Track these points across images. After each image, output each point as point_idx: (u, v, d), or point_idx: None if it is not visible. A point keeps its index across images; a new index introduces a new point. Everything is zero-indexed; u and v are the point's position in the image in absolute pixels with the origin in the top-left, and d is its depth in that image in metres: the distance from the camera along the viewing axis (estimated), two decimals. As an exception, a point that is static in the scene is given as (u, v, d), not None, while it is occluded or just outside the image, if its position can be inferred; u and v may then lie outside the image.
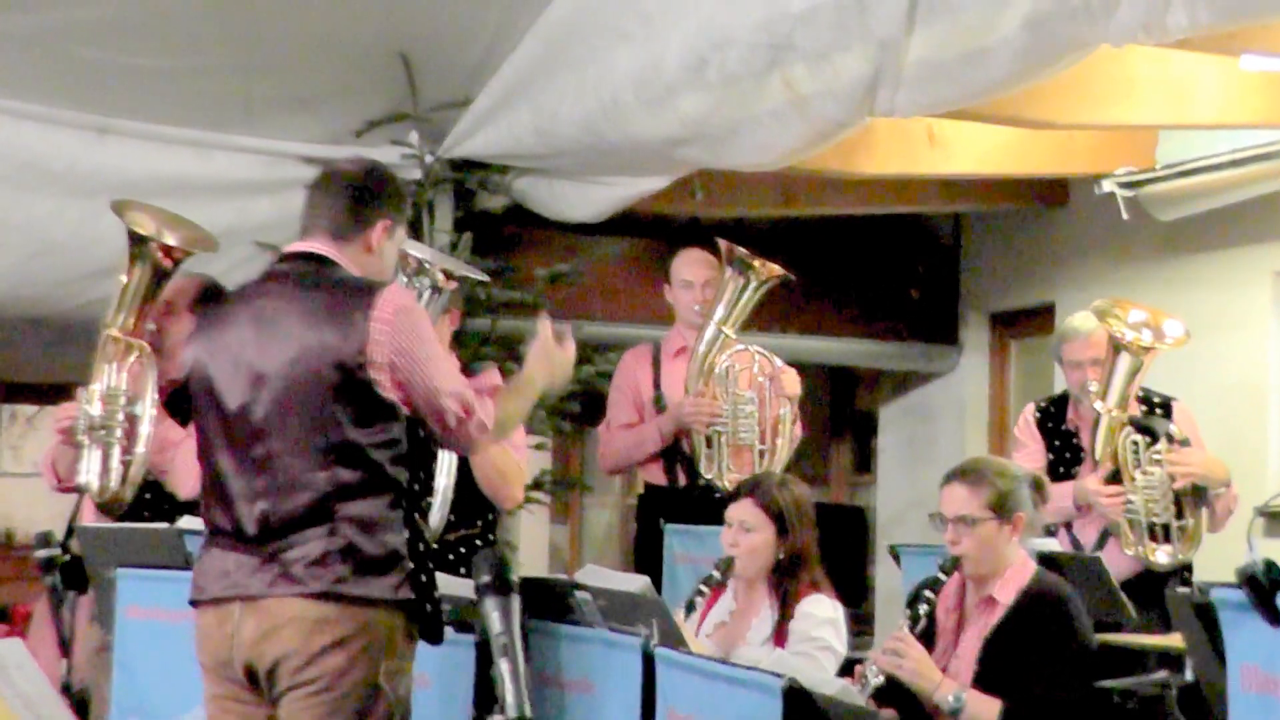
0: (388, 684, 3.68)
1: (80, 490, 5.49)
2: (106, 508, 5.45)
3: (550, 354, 4.10)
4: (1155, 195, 7.43)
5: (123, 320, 5.45)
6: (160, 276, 5.48)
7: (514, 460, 5.27)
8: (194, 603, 3.84)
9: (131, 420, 5.39)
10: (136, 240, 5.45)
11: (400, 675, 3.73)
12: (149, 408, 5.39)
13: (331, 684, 3.63)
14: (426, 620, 3.77)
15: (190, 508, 5.38)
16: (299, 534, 3.66)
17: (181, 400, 5.62)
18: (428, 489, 5.00)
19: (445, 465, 5.02)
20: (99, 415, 5.38)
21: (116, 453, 5.39)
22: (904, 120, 6.40)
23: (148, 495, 5.55)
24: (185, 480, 5.43)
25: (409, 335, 3.71)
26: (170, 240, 5.48)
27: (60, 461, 5.61)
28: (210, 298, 5.67)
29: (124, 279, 5.44)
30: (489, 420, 3.80)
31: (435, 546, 4.86)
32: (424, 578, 3.75)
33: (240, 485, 3.74)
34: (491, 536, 5.41)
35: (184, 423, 5.53)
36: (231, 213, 7.19)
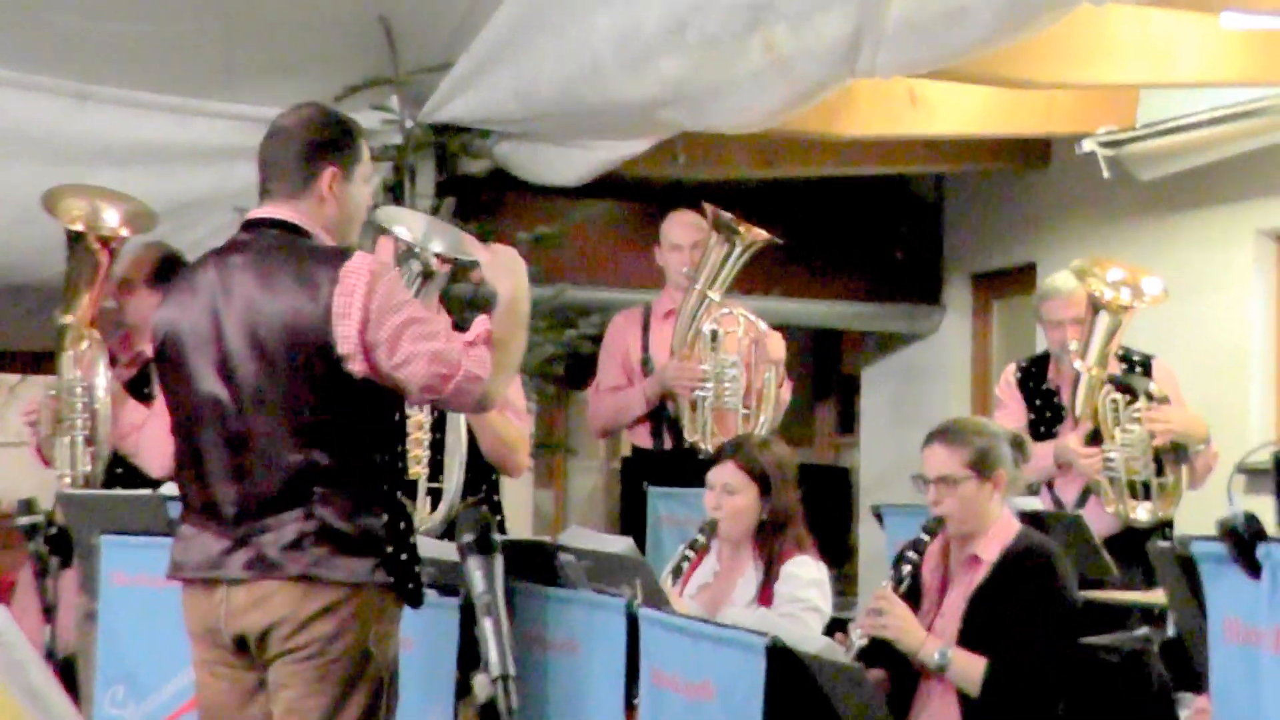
0: (376, 649, 3.68)
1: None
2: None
3: (499, 261, 3.92)
4: (1136, 154, 7.43)
5: (73, 308, 5.50)
6: (100, 266, 5.52)
7: (516, 429, 5.28)
8: (174, 574, 3.81)
9: (90, 409, 5.46)
10: (73, 236, 5.49)
11: (388, 639, 3.72)
12: (103, 393, 5.46)
13: (322, 649, 3.62)
14: (408, 594, 3.74)
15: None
16: (274, 516, 3.63)
17: (144, 379, 5.66)
18: (436, 474, 4.99)
19: (456, 457, 4.99)
20: (61, 409, 5.46)
21: (81, 440, 5.46)
22: (885, 81, 6.40)
23: (119, 469, 5.58)
24: (154, 459, 5.47)
25: (377, 305, 3.61)
26: (107, 224, 5.51)
27: (46, 449, 5.68)
28: (168, 268, 5.71)
29: (67, 268, 5.50)
30: (483, 368, 3.68)
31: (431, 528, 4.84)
32: (404, 557, 3.71)
33: (215, 464, 3.70)
34: (496, 497, 5.43)
35: (147, 401, 5.56)
36: (212, 178, 7.19)
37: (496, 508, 5.39)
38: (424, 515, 4.88)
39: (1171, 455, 5.92)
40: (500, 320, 3.82)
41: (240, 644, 3.70)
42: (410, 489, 3.83)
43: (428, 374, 3.63)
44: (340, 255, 3.69)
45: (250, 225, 3.84)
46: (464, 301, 6.67)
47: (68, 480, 5.49)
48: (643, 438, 6.49)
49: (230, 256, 3.78)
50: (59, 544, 5.02)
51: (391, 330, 3.61)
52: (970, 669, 4.43)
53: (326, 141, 3.84)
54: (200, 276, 3.79)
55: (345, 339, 3.60)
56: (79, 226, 5.49)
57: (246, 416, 3.66)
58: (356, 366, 3.62)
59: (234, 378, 3.67)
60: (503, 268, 3.90)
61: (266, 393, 3.64)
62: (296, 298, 3.63)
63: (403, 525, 3.73)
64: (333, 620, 3.62)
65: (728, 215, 6.28)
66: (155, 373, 3.87)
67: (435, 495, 4.95)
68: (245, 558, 3.64)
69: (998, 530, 4.60)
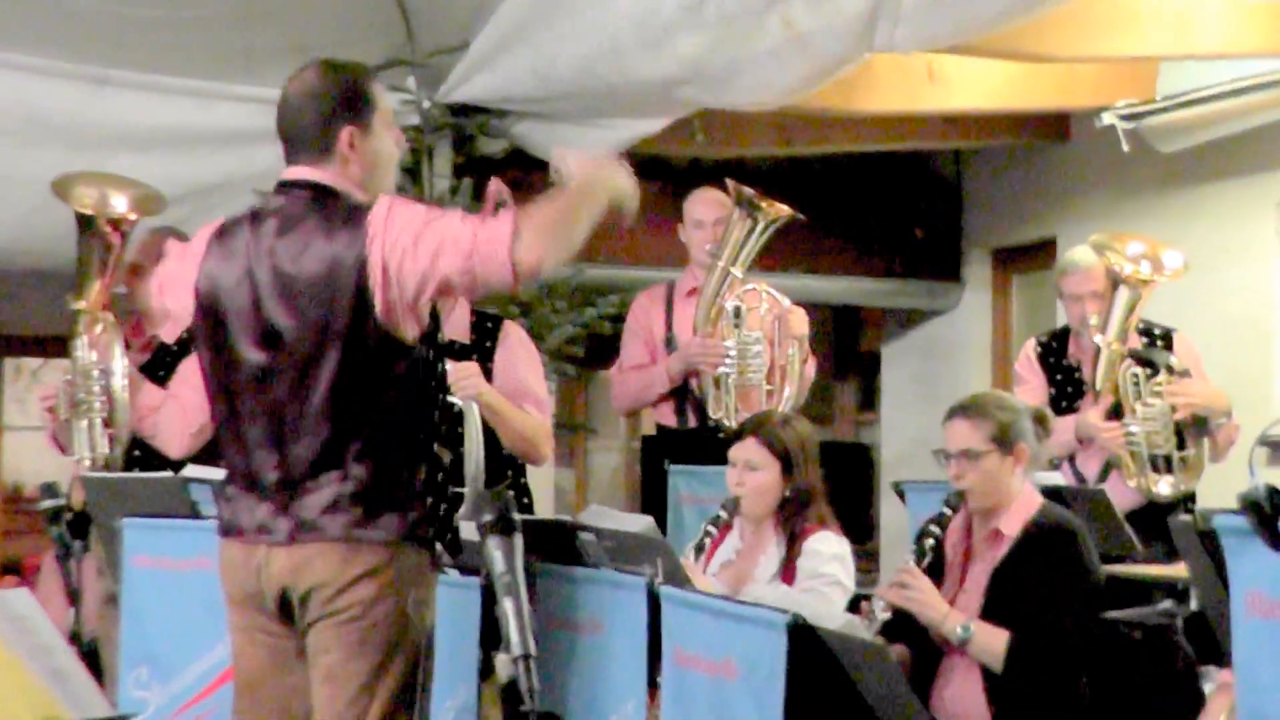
0: (414, 613, 3.68)
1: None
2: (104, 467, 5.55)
3: (583, 158, 3.80)
4: (1156, 127, 7.41)
5: (86, 293, 5.52)
6: (111, 249, 5.54)
7: (535, 421, 5.33)
8: (224, 533, 3.80)
9: (108, 392, 5.48)
10: (83, 220, 5.51)
11: (426, 605, 3.73)
12: (120, 376, 5.48)
13: (362, 613, 3.62)
14: (449, 545, 3.76)
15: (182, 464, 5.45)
16: (313, 480, 3.64)
17: (158, 363, 5.68)
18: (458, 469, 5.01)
19: (474, 453, 4.99)
20: (79, 393, 5.48)
21: (99, 423, 5.48)
22: (904, 57, 6.39)
23: (137, 453, 5.61)
24: (172, 440, 5.50)
25: (396, 225, 3.58)
26: (116, 209, 5.53)
27: (62, 436, 5.69)
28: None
29: (79, 254, 5.52)
30: (503, 227, 3.53)
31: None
32: (444, 508, 3.72)
33: (255, 430, 3.71)
34: (523, 480, 5.45)
35: (162, 384, 5.59)
36: (232, 162, 7.19)
37: (524, 490, 5.41)
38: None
39: (1193, 429, 5.90)
40: (561, 195, 3.70)
41: (283, 606, 3.69)
42: (450, 440, 3.79)
43: (454, 256, 3.55)
44: (365, 208, 3.67)
45: (282, 187, 3.83)
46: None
47: (86, 464, 5.50)
48: (667, 416, 6.49)
49: (264, 220, 3.77)
50: (77, 527, 5.03)
51: (412, 235, 3.57)
52: (993, 642, 4.43)
53: (337, 102, 3.79)
54: (236, 240, 3.79)
55: (375, 279, 3.57)
56: (88, 210, 5.51)
57: (283, 381, 3.66)
58: (383, 304, 3.58)
59: (271, 343, 3.68)
60: (583, 158, 3.79)
61: (304, 357, 3.64)
62: (330, 256, 3.62)
63: (440, 476, 3.73)
64: (373, 584, 3.62)
65: (750, 191, 6.26)
66: (197, 336, 3.84)
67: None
68: (288, 525, 3.65)
69: (1020, 505, 4.60)
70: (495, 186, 3.69)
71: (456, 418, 4.98)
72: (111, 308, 5.62)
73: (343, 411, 3.64)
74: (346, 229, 3.64)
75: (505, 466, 5.28)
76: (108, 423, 5.50)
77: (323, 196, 3.75)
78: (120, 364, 5.51)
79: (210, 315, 3.78)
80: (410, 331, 3.67)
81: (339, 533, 3.62)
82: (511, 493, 3.48)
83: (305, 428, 3.66)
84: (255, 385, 3.71)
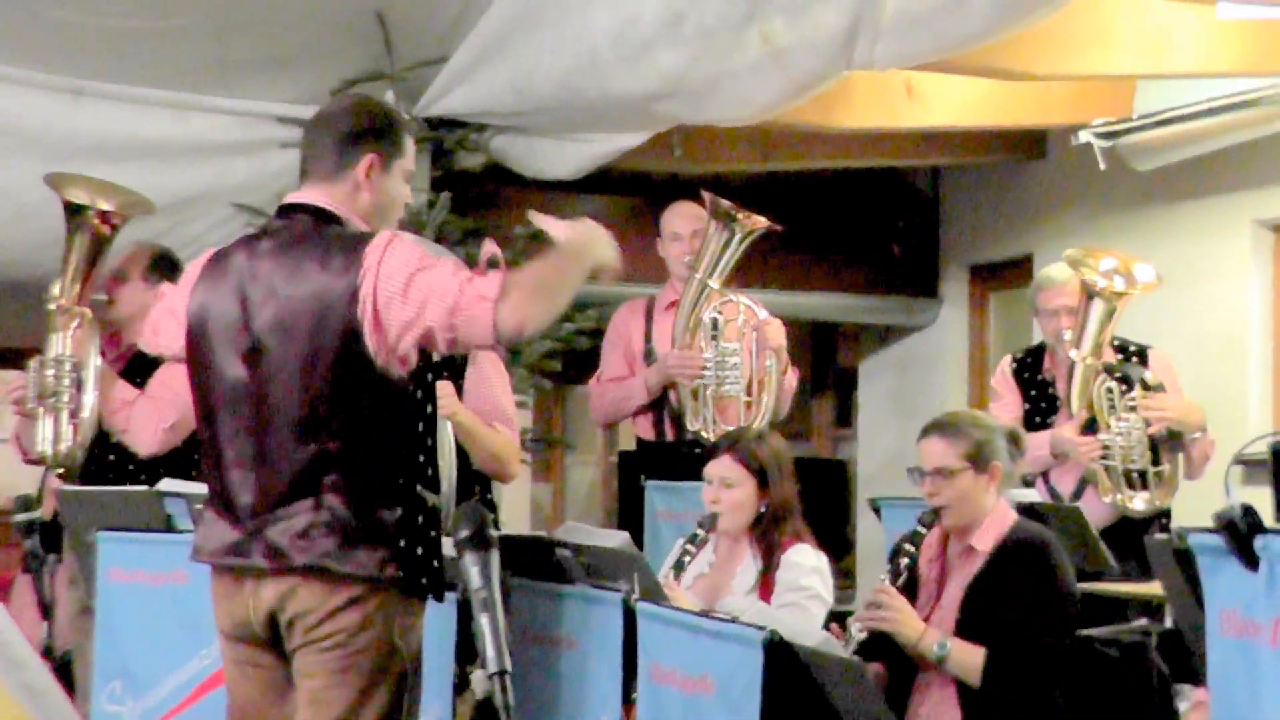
0: (401, 641, 3.66)
1: (40, 461, 5.55)
2: (64, 472, 5.50)
3: (567, 223, 3.81)
4: (1133, 145, 7.43)
5: (67, 290, 5.50)
6: (100, 243, 5.52)
7: (503, 439, 5.33)
8: (200, 557, 3.79)
9: (78, 385, 5.45)
10: (73, 210, 5.49)
11: (412, 632, 3.70)
12: (93, 371, 5.46)
13: (346, 640, 3.60)
14: (421, 590, 3.70)
15: (153, 466, 5.43)
16: (285, 507, 3.61)
17: (133, 371, 5.67)
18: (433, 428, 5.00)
19: (448, 455, 5.00)
20: (47, 383, 5.44)
21: (65, 416, 5.45)
22: (882, 73, 6.39)
23: (111, 457, 5.58)
24: (142, 435, 5.47)
25: (389, 263, 3.57)
26: (106, 207, 5.51)
27: (24, 434, 5.66)
28: (163, 263, 5.73)
29: (65, 249, 5.49)
30: (490, 288, 3.52)
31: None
32: (420, 551, 3.67)
33: (234, 451, 3.69)
34: (490, 496, 5.45)
35: (140, 385, 5.57)
36: (209, 174, 7.18)
37: (491, 507, 5.41)
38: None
39: (1168, 444, 5.92)
40: (549, 257, 3.70)
41: (273, 630, 3.67)
42: (435, 484, 3.77)
43: (439, 310, 3.54)
44: (365, 239, 3.66)
45: (283, 211, 3.84)
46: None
47: (48, 456, 5.45)
48: (645, 429, 6.49)
49: (260, 243, 3.78)
50: (48, 538, 5.01)
51: (403, 280, 3.55)
52: (969, 659, 4.43)
53: (369, 129, 3.81)
54: (230, 262, 3.78)
55: (364, 312, 3.57)
56: (82, 200, 5.48)
57: (266, 402, 3.65)
58: (372, 342, 3.58)
59: (257, 363, 3.66)
60: (567, 225, 3.80)
61: (286, 379, 3.63)
62: (322, 283, 3.61)
63: (421, 519, 3.69)
64: (357, 613, 3.60)
65: (726, 203, 6.27)
66: (188, 359, 3.83)
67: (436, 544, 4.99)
68: (260, 548, 3.63)
69: (993, 521, 4.61)
70: (489, 249, 3.69)
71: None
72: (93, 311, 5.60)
73: (321, 439, 3.61)
74: (343, 256, 3.63)
75: (472, 484, 5.29)
76: (73, 415, 5.46)
77: (324, 222, 3.75)
78: (94, 358, 5.49)
79: (199, 334, 3.77)
80: (395, 370, 3.65)
81: (307, 560, 3.58)
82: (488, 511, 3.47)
83: (282, 452, 3.63)
84: (235, 402, 3.69)
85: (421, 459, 3.74)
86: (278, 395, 3.64)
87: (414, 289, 3.56)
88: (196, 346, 3.79)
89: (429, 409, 3.81)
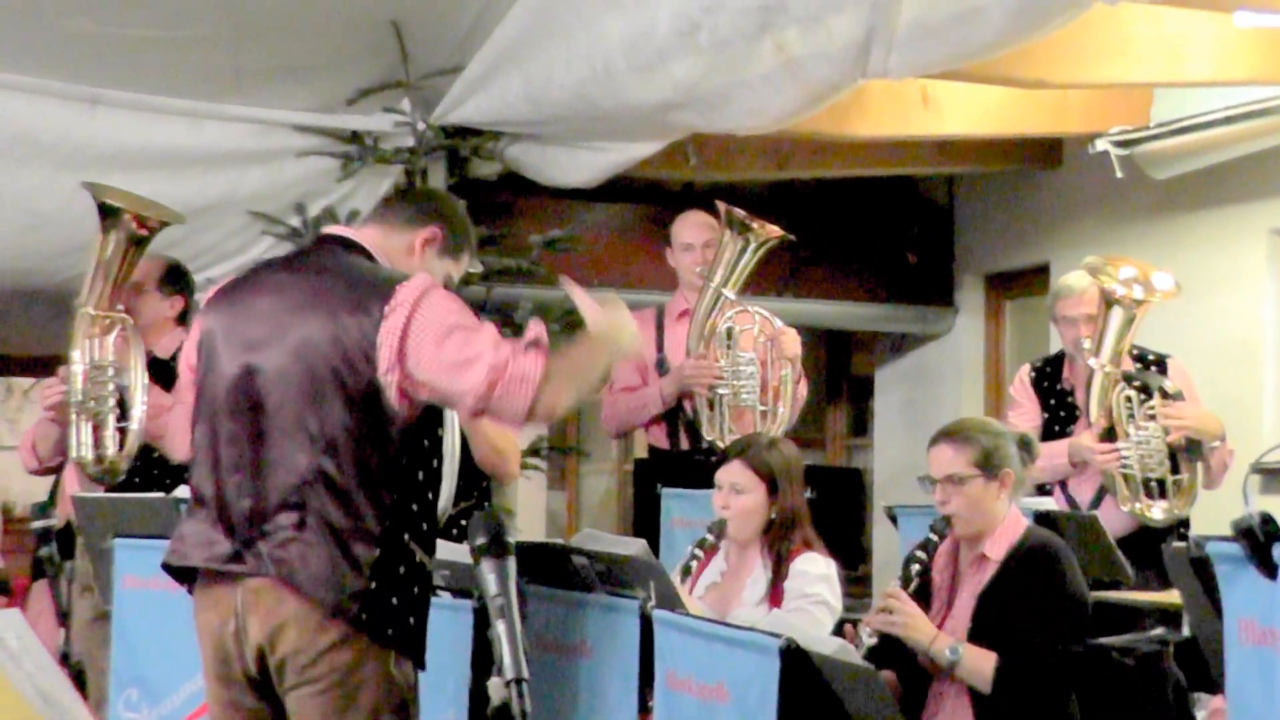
0: (398, 671, 3.63)
1: (58, 470, 5.54)
2: (101, 478, 5.48)
3: (597, 301, 3.84)
4: (1149, 154, 7.41)
5: (98, 296, 5.49)
6: (135, 245, 5.51)
7: (510, 437, 5.31)
8: (170, 569, 3.78)
9: (121, 391, 5.43)
10: (108, 213, 5.48)
11: (407, 660, 3.67)
12: (140, 377, 5.43)
13: (343, 679, 3.57)
14: (389, 643, 3.62)
15: (183, 471, 5.43)
16: (270, 520, 3.59)
17: (157, 376, 5.67)
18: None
19: (450, 450, 4.99)
20: (86, 389, 5.42)
21: (111, 423, 5.43)
22: (897, 82, 6.39)
23: (137, 462, 5.57)
24: (178, 439, 5.47)
25: (421, 318, 3.56)
26: (143, 214, 5.52)
27: (42, 443, 5.65)
28: (176, 274, 5.76)
29: (98, 253, 5.48)
30: (534, 370, 3.53)
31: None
32: (395, 600, 3.60)
33: (232, 460, 3.68)
34: (488, 504, 5.44)
35: (167, 389, 5.58)
36: (224, 183, 7.20)
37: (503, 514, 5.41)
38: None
39: (1186, 452, 5.91)
40: (581, 342, 3.77)
41: (262, 666, 3.63)
42: (429, 542, 3.73)
43: (477, 379, 3.53)
44: (400, 276, 3.66)
45: (322, 239, 3.90)
46: (477, 305, 6.67)
47: (89, 462, 5.43)
48: (659, 438, 6.50)
49: (293, 264, 3.84)
50: (63, 544, 5.01)
51: (440, 328, 3.56)
52: (981, 665, 4.42)
53: (449, 216, 3.93)
54: (259, 279, 3.82)
55: (386, 359, 3.56)
56: (118, 203, 5.48)
57: (268, 419, 3.64)
58: (393, 392, 3.58)
59: (267, 383, 3.65)
60: (599, 309, 3.83)
61: (292, 403, 3.61)
62: (346, 317, 3.60)
63: (403, 570, 3.62)
64: (349, 651, 3.57)
65: (741, 212, 6.28)
66: (198, 368, 3.84)
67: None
68: (246, 557, 3.60)
69: (1005, 529, 4.60)
70: (537, 330, 3.70)
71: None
72: None
73: (318, 456, 3.59)
74: (371, 286, 3.63)
75: (473, 485, 5.27)
76: (118, 422, 5.44)
77: (357, 253, 3.78)
78: (140, 365, 5.47)
79: (210, 348, 3.79)
80: (403, 410, 3.62)
81: (273, 571, 3.55)
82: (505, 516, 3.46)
83: (280, 467, 3.62)
84: (241, 417, 3.69)
85: (416, 508, 3.68)
86: (281, 414, 3.63)
87: (451, 344, 3.56)
88: (207, 358, 3.80)
89: (434, 464, 3.76)
